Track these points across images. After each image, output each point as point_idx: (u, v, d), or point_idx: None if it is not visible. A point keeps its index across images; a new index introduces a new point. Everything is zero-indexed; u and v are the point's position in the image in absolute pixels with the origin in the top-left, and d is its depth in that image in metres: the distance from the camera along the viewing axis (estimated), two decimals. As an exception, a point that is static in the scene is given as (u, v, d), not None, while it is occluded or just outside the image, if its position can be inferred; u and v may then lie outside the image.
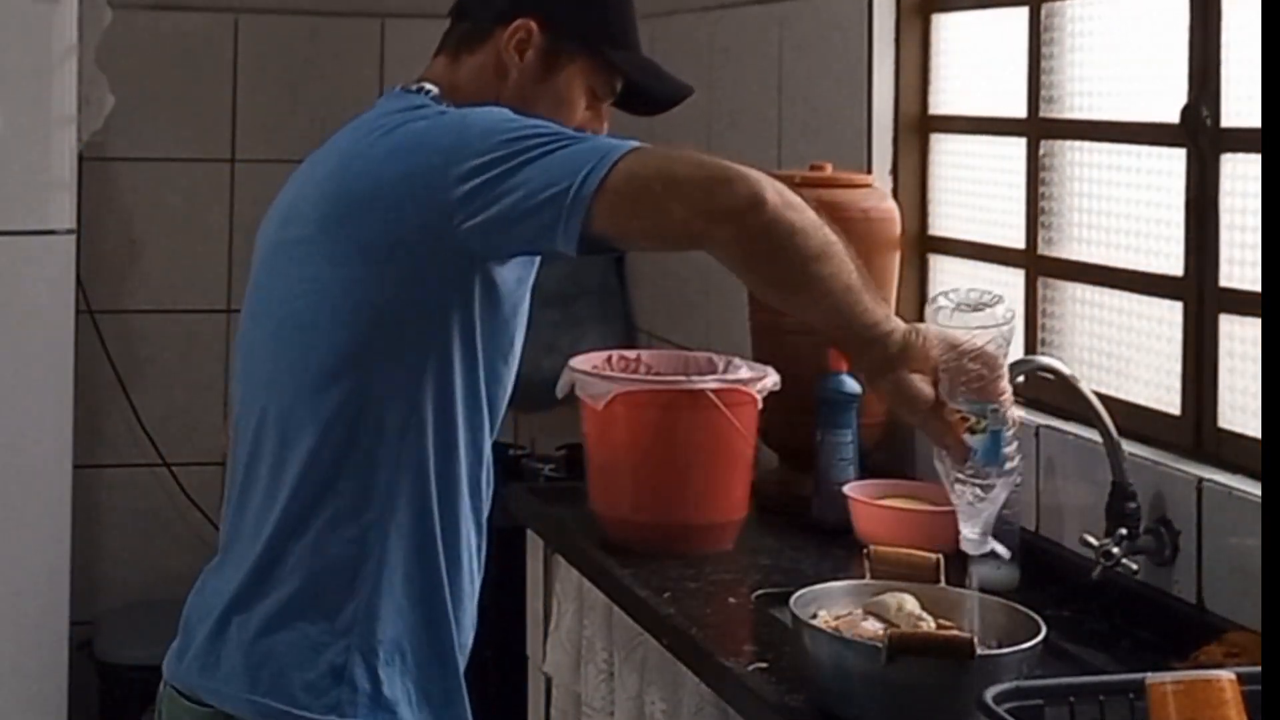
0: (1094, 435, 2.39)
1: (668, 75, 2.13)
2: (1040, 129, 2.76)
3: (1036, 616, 1.98)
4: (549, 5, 2.00)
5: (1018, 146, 2.81)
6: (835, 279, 1.87)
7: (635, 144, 1.83)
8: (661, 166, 1.85)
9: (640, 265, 4.09)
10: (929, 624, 2.04)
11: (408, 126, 1.88)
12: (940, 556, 2.19)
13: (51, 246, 3.50)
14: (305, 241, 1.89)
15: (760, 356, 2.87)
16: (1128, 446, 2.35)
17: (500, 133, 1.82)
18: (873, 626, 2.02)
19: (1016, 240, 2.82)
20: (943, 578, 2.15)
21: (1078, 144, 2.69)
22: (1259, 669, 1.55)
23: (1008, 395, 1.86)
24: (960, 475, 1.90)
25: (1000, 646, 1.94)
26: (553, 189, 1.77)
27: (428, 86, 1.98)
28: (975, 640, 1.87)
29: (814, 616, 2.04)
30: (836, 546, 2.60)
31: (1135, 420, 2.45)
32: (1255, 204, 2.28)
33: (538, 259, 1.97)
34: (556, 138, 1.82)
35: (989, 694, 1.66)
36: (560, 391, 2.71)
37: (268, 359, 1.92)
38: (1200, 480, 2.26)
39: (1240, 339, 2.32)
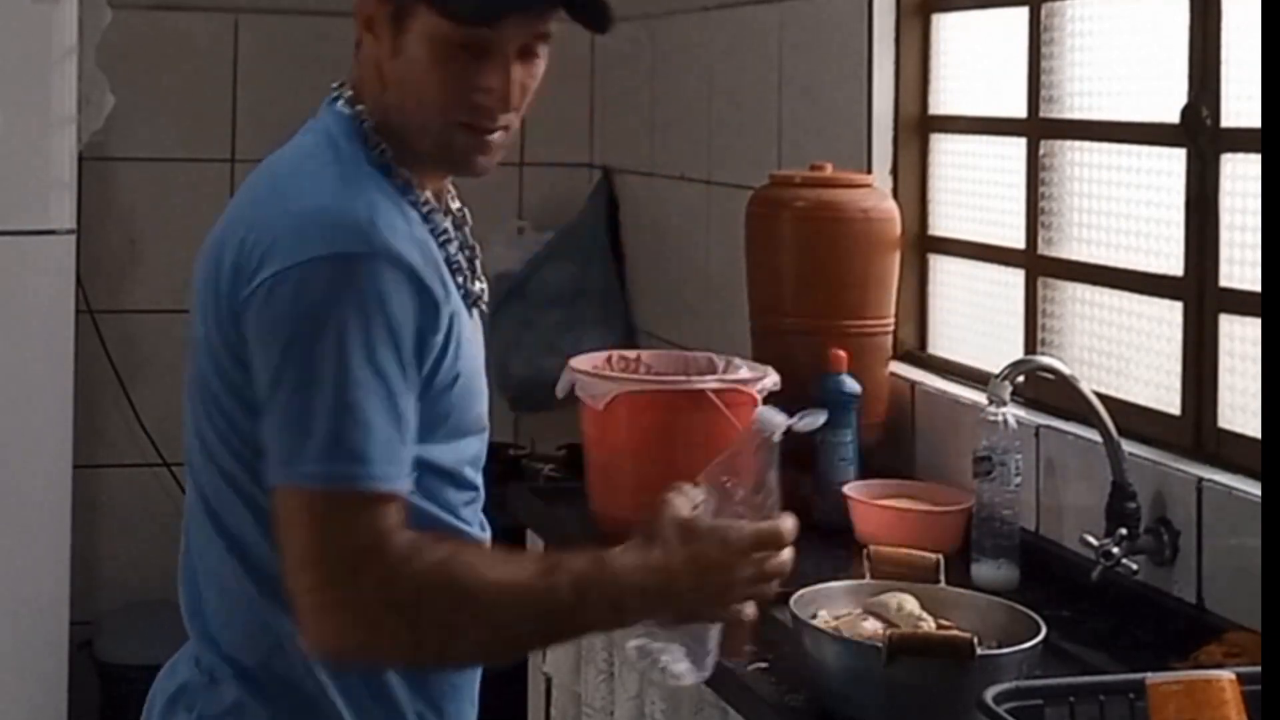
0: (1094, 435, 2.39)
1: None
2: (1040, 129, 2.76)
3: (1036, 616, 1.98)
4: None
5: (1018, 146, 2.81)
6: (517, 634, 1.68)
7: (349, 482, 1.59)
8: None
9: (640, 266, 4.09)
10: (929, 624, 2.04)
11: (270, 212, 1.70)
12: (940, 557, 2.19)
13: (51, 246, 3.50)
14: None
15: (760, 356, 2.87)
16: (1128, 446, 2.35)
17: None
18: (873, 626, 2.02)
19: (1016, 240, 2.82)
20: (943, 578, 2.15)
21: (1078, 144, 2.69)
22: (1259, 669, 1.55)
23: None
24: None
25: (1000, 646, 1.94)
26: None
27: (345, 90, 1.79)
28: (975, 640, 1.87)
29: (814, 616, 2.04)
30: (836, 546, 2.60)
31: (1135, 420, 2.45)
32: (1255, 204, 2.28)
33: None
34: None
35: (989, 694, 1.66)
36: (560, 391, 2.71)
37: None
38: (1200, 480, 2.26)
39: (1240, 339, 2.32)
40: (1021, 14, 2.80)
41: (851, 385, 2.79)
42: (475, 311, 1.81)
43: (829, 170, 2.97)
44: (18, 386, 3.46)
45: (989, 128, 2.92)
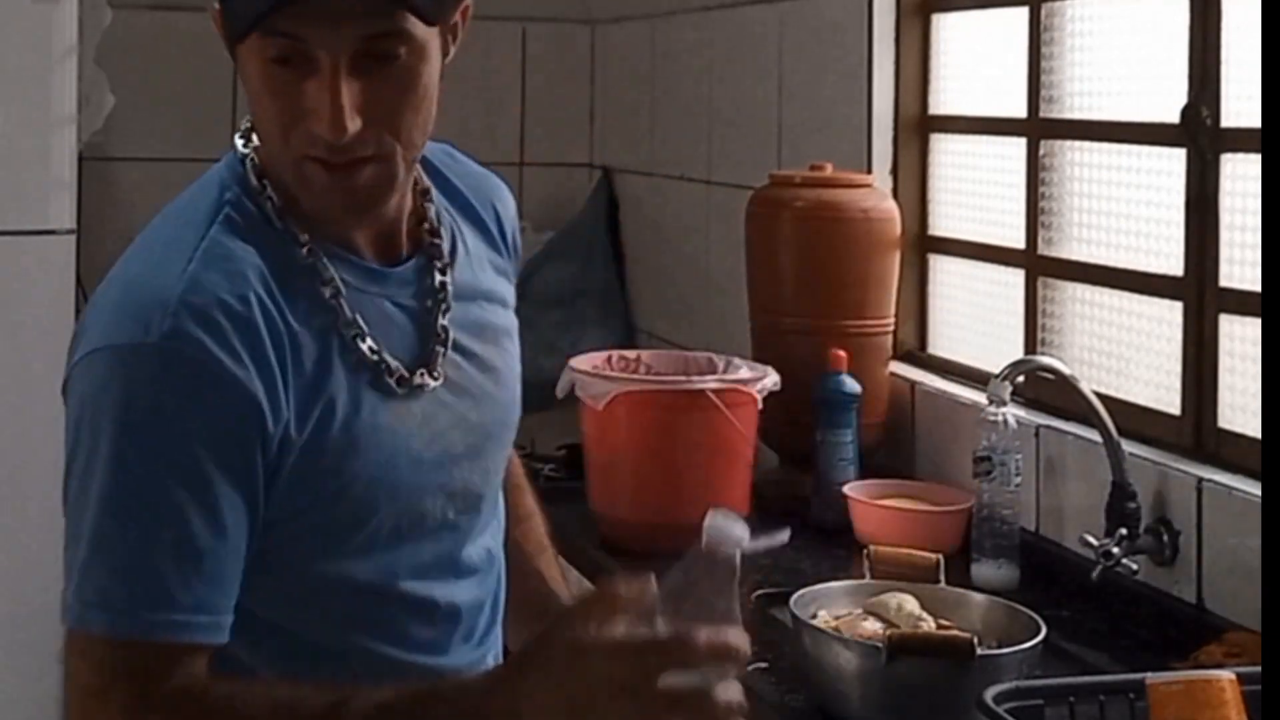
0: (1094, 435, 2.39)
1: None
2: (1040, 129, 2.76)
3: (1036, 617, 1.98)
4: None
5: (1018, 146, 2.81)
6: None
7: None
8: None
9: (640, 266, 4.09)
10: (929, 624, 2.04)
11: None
12: (940, 557, 2.19)
13: (51, 246, 3.49)
14: None
15: (760, 356, 2.87)
16: (1128, 446, 2.35)
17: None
18: (873, 626, 2.02)
19: (1016, 240, 2.82)
20: (943, 577, 2.15)
21: (1078, 144, 2.69)
22: (1259, 669, 1.55)
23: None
24: None
25: (1000, 647, 1.94)
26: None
27: (245, 123, 1.60)
28: (975, 640, 1.87)
29: (814, 616, 2.04)
30: (836, 546, 2.60)
31: (1135, 420, 2.45)
32: (1255, 204, 2.28)
33: None
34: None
35: (989, 694, 1.66)
36: (560, 391, 2.71)
37: None
38: (1200, 480, 2.26)
39: (1240, 339, 2.32)
40: (1021, 14, 2.80)
41: (851, 385, 2.79)
42: (424, 392, 1.52)
43: (829, 170, 2.97)
44: (18, 386, 3.45)
45: (989, 128, 2.92)
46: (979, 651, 1.85)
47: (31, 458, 3.47)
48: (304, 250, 1.50)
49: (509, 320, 1.70)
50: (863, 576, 2.19)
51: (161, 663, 1.36)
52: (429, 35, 1.46)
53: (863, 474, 2.78)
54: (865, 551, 2.25)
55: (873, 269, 2.93)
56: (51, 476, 3.74)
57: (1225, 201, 2.33)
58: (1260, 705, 1.51)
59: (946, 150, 3.07)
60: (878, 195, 2.99)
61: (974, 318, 2.97)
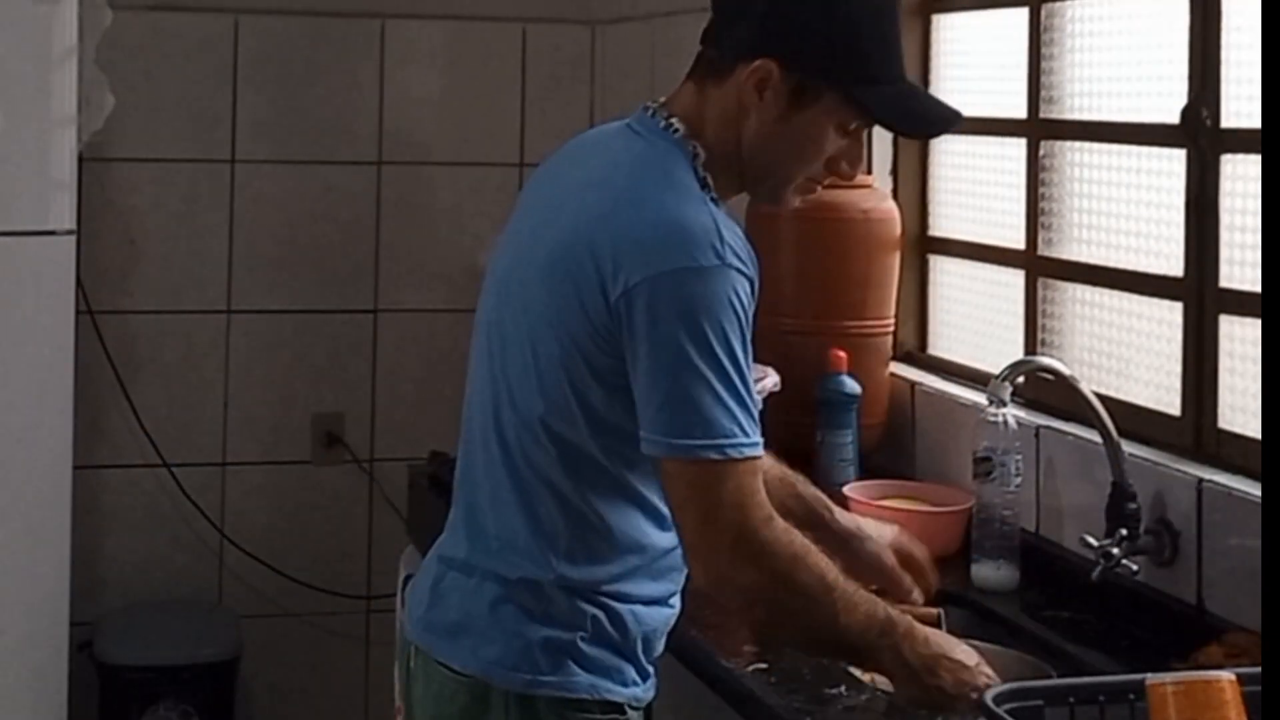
0: (1094, 435, 2.39)
1: (930, 104, 2.05)
2: (1040, 130, 2.76)
3: (1047, 666, 1.99)
4: (793, 44, 1.93)
5: (1018, 147, 2.81)
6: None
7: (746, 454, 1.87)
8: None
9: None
10: None
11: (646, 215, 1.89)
12: (940, 611, 2.18)
13: (51, 246, 3.49)
14: None
15: (760, 357, 2.86)
16: (1128, 447, 2.35)
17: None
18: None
19: (1016, 241, 2.82)
20: (944, 628, 2.14)
21: (1078, 144, 2.69)
22: (1259, 669, 1.55)
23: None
24: None
25: None
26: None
27: (675, 123, 1.97)
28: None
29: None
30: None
31: (1135, 421, 2.45)
32: (1255, 204, 2.28)
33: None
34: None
35: (989, 695, 1.66)
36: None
37: None
38: (1200, 480, 2.26)
39: (1240, 339, 2.32)
40: (1021, 14, 2.80)
41: (851, 385, 2.79)
42: None
43: (829, 170, 2.97)
44: (18, 386, 3.45)
45: (989, 128, 2.92)
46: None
47: (32, 457, 3.48)
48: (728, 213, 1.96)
49: None
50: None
51: (757, 473, 1.88)
52: None
53: (863, 475, 2.78)
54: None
55: (873, 269, 2.93)
56: (52, 474, 3.76)
57: (1225, 202, 2.33)
58: (1260, 705, 1.51)
59: (946, 150, 3.07)
60: (878, 195, 2.99)
61: (974, 318, 2.97)
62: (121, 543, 4.07)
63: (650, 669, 2.02)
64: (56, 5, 3.47)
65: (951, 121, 2.05)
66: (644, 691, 2.01)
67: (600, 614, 1.95)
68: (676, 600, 2.04)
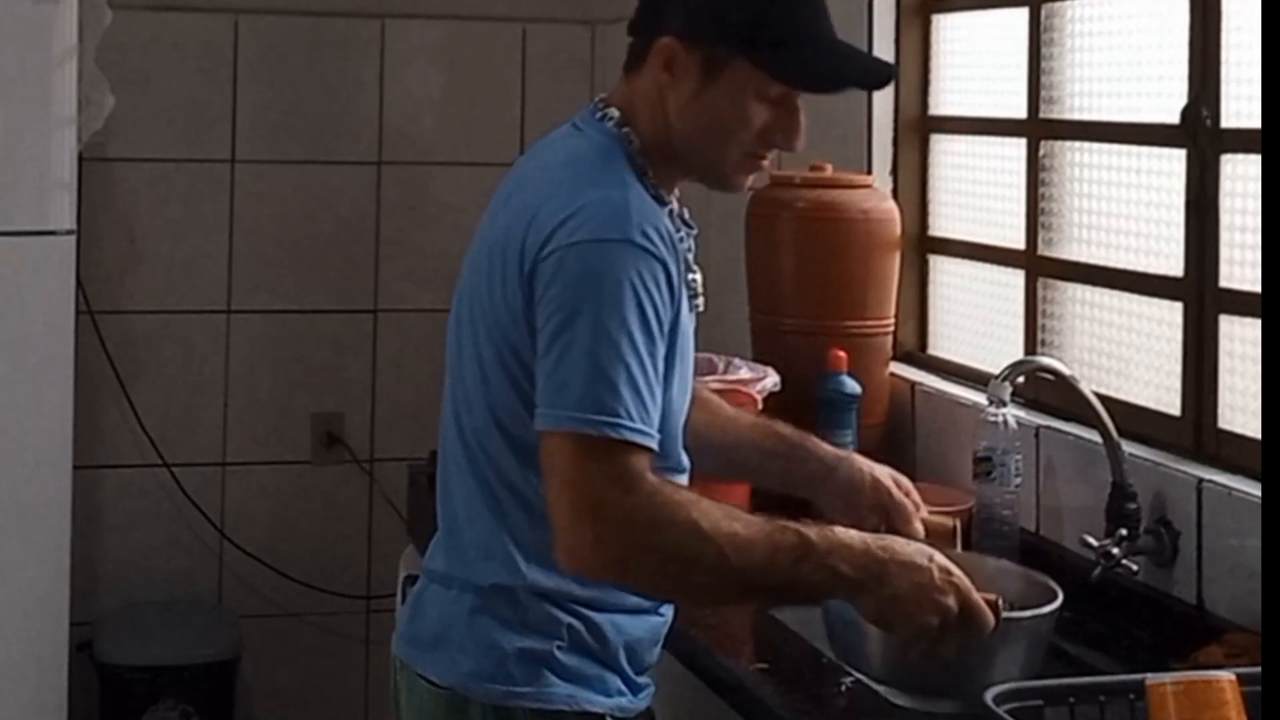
0: (1094, 435, 2.39)
1: (851, 62, 2.01)
2: (1040, 129, 2.76)
3: (1053, 583, 1.99)
4: (689, 18, 1.92)
5: (1018, 147, 2.81)
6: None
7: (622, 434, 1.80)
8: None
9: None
10: None
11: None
12: (957, 522, 2.19)
13: (51, 246, 3.49)
14: None
15: (760, 356, 2.87)
16: (1128, 447, 2.35)
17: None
18: None
19: (1016, 240, 2.82)
20: (959, 543, 2.15)
21: (1078, 144, 2.69)
22: (1259, 669, 1.55)
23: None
24: None
25: (1015, 610, 1.94)
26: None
27: (612, 112, 1.98)
28: (999, 601, 1.86)
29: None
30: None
31: (1135, 420, 2.45)
32: (1255, 204, 2.28)
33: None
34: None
35: (989, 695, 1.66)
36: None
37: None
38: (1200, 480, 2.26)
39: (1240, 339, 2.32)
40: (1021, 14, 2.80)
41: (851, 386, 2.79)
42: (693, 307, 2.02)
43: (829, 171, 2.97)
44: (18, 386, 3.45)
45: (989, 128, 2.92)
46: (1003, 615, 1.85)
47: (32, 457, 3.48)
48: (666, 207, 1.97)
49: None
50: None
51: (646, 461, 1.80)
52: None
53: (863, 474, 2.77)
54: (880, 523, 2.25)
55: (873, 269, 2.93)
56: (52, 474, 3.76)
57: (1225, 202, 2.33)
58: (1260, 705, 1.51)
59: (946, 150, 3.07)
60: (878, 196, 2.99)
61: (974, 318, 2.97)
62: (121, 543, 4.08)
63: (642, 680, 2.00)
64: (56, 5, 3.47)
65: (873, 77, 2.06)
66: (632, 702, 1.97)
67: (576, 622, 1.92)
68: (667, 609, 2.02)
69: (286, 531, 4.14)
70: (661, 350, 1.85)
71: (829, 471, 2.19)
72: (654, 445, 1.82)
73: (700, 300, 2.05)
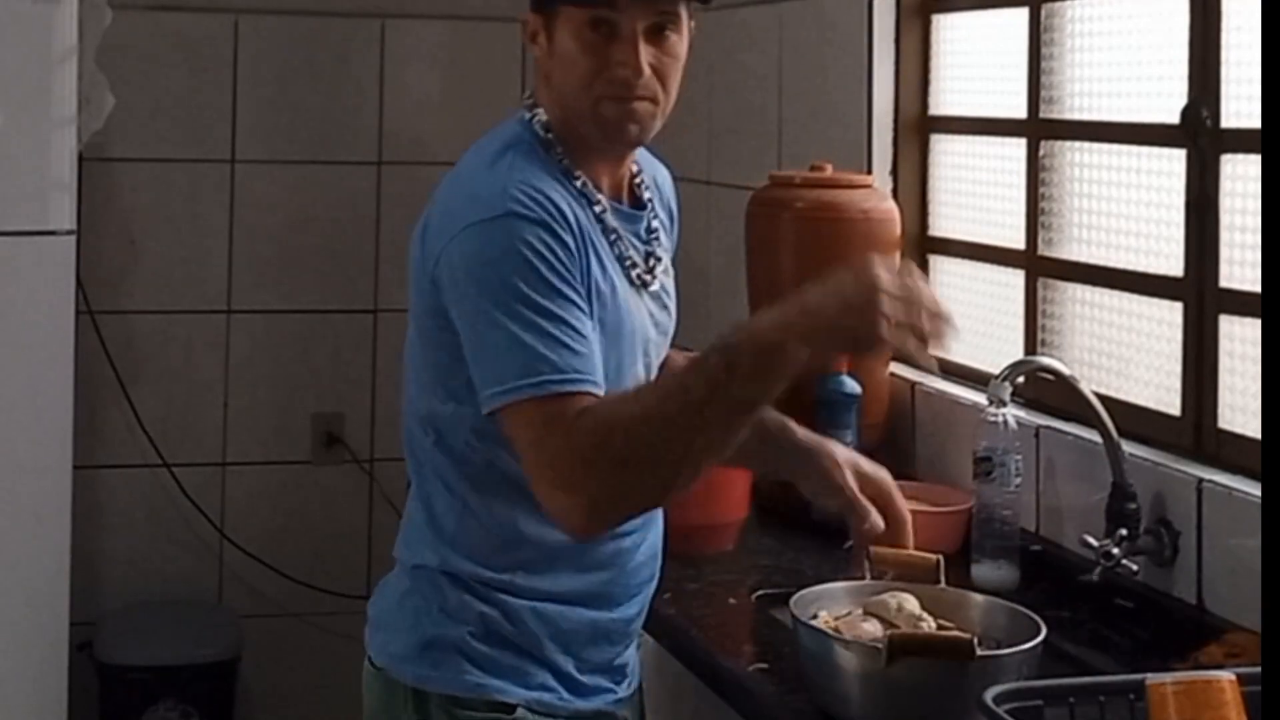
0: (1094, 435, 2.39)
1: None
2: (1040, 130, 2.76)
3: (1036, 617, 1.98)
4: None
5: (1018, 147, 2.81)
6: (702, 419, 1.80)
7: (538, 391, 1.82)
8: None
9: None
10: (929, 624, 2.04)
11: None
12: (940, 557, 2.18)
13: (51, 246, 3.49)
14: None
15: (760, 357, 2.86)
16: (1128, 447, 2.35)
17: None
18: (873, 627, 2.02)
19: (1016, 241, 2.82)
20: (943, 578, 2.15)
21: (1078, 144, 2.69)
22: (1259, 669, 1.55)
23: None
24: None
25: (1000, 647, 1.94)
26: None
27: (528, 98, 2.05)
28: (975, 641, 1.87)
29: (814, 617, 2.04)
30: (837, 547, 2.60)
31: (1135, 420, 2.45)
32: (1255, 204, 2.28)
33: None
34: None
35: (989, 694, 1.66)
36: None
37: None
38: (1200, 480, 2.26)
39: (1240, 339, 2.32)
40: (1021, 14, 2.80)
41: (851, 385, 2.79)
42: (646, 290, 2.02)
43: (829, 170, 2.97)
44: (18, 386, 3.45)
45: (989, 128, 2.92)
46: (979, 652, 1.85)
47: (32, 457, 3.48)
48: (578, 182, 1.97)
49: (669, 266, 2.14)
50: (863, 577, 2.19)
51: (578, 402, 1.81)
52: (685, 26, 2.02)
53: (863, 474, 2.77)
54: (865, 551, 2.25)
55: (873, 269, 2.92)
56: (52, 474, 3.75)
57: (1225, 202, 2.33)
58: (1260, 705, 1.51)
59: (946, 150, 3.07)
60: (878, 196, 2.99)
61: (974, 318, 2.96)
62: (121, 543, 4.08)
63: (590, 679, 2.00)
64: (56, 5, 3.47)
65: None
66: (565, 700, 1.98)
67: (491, 610, 1.96)
68: (609, 605, 2.02)
69: (286, 531, 4.14)
70: (576, 299, 1.87)
71: (805, 460, 2.13)
72: (590, 387, 1.83)
73: (644, 276, 2.03)
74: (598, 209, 1.98)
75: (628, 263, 2.00)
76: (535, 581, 1.97)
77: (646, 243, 2.06)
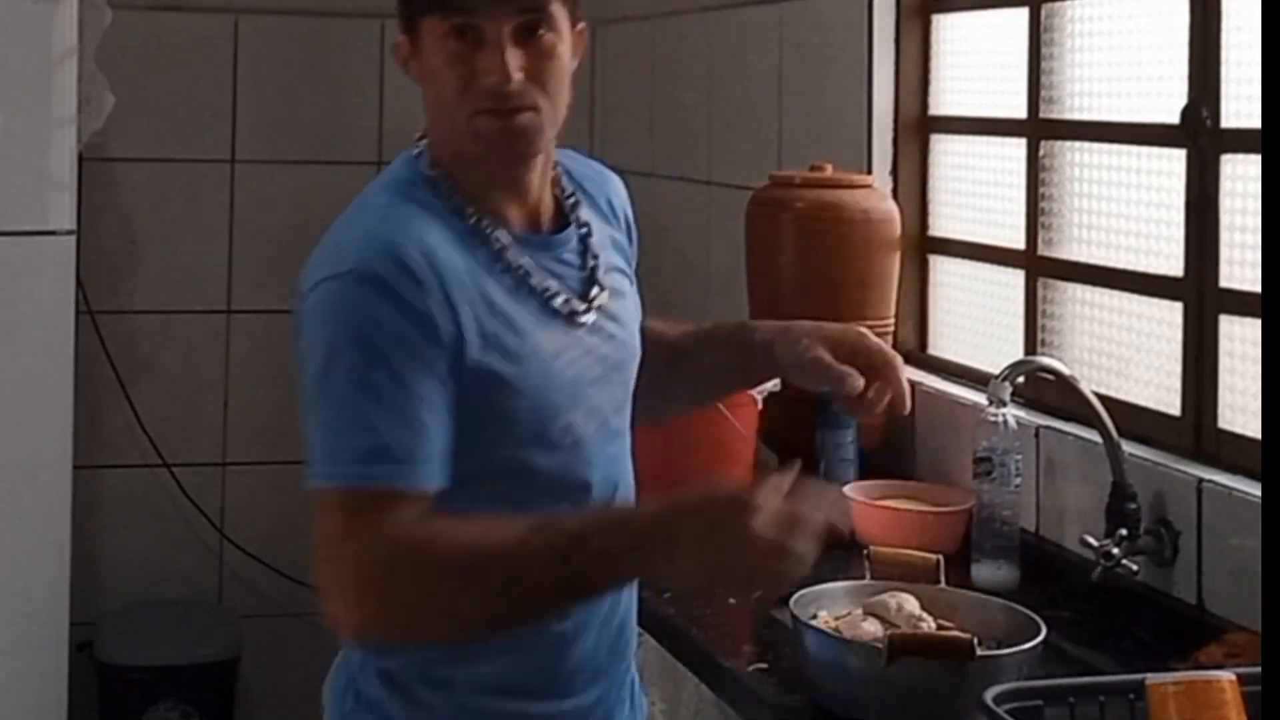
0: (1094, 435, 2.39)
1: None
2: (1040, 129, 2.76)
3: (1036, 617, 1.98)
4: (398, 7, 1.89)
5: (1018, 147, 2.81)
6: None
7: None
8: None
9: (640, 266, 4.08)
10: (929, 624, 2.04)
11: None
12: (940, 557, 2.19)
13: (51, 246, 3.49)
14: None
15: (760, 357, 2.86)
16: (1128, 447, 2.35)
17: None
18: (872, 627, 2.02)
19: (1016, 241, 2.82)
20: (943, 578, 2.15)
21: (1078, 144, 2.69)
22: (1259, 669, 1.55)
23: None
24: None
25: (1000, 647, 1.94)
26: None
27: (419, 135, 1.91)
28: (975, 641, 1.87)
29: (814, 617, 2.04)
30: (836, 547, 2.59)
31: (1135, 420, 2.45)
32: (1255, 204, 2.28)
33: None
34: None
35: (989, 694, 1.66)
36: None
37: None
38: (1200, 480, 2.26)
39: (1240, 339, 2.32)
40: (1021, 14, 2.80)
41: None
42: (577, 323, 1.83)
43: (829, 171, 2.97)
44: (18, 386, 3.46)
45: (989, 128, 2.92)
46: (979, 652, 1.85)
47: (32, 457, 3.48)
48: (470, 220, 1.82)
49: (628, 286, 2.00)
50: (863, 577, 2.19)
51: (391, 506, 1.66)
52: (563, 24, 1.84)
53: (863, 474, 2.78)
54: (865, 552, 2.25)
55: (873, 269, 2.93)
56: (52, 474, 3.75)
57: (1225, 202, 2.33)
58: (1260, 705, 1.51)
59: (946, 150, 3.07)
60: (878, 196, 2.99)
61: (974, 318, 2.97)
62: (121, 543, 4.08)
63: None
64: (56, 5, 3.47)
65: None
66: None
67: (416, 712, 1.80)
68: (557, 694, 1.82)
69: (286, 531, 4.14)
70: (419, 373, 1.69)
71: (773, 353, 1.97)
72: (411, 481, 1.67)
73: (575, 306, 1.84)
74: (497, 245, 1.81)
75: (548, 295, 1.82)
76: (463, 670, 1.79)
77: (581, 268, 1.88)
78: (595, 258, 1.90)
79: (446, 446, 1.71)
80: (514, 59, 1.79)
